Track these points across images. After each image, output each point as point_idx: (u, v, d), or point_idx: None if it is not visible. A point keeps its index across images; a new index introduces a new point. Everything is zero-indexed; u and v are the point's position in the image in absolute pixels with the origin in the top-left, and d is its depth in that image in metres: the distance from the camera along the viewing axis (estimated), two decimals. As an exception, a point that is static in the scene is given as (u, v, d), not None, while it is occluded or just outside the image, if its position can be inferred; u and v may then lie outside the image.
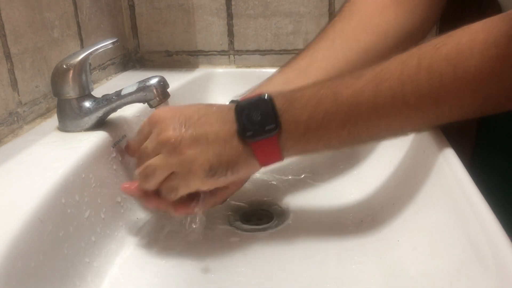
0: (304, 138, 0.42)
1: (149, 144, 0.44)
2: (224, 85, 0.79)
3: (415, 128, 0.43)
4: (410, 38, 0.59)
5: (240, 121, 0.43)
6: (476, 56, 0.37)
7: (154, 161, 0.44)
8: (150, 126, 0.45)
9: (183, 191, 0.44)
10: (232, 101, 0.53)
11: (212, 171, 0.43)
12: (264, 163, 0.44)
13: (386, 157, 0.56)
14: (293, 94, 0.43)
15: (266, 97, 0.43)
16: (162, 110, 0.45)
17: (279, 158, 0.44)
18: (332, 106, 0.41)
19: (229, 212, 0.55)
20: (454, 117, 0.41)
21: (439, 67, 0.38)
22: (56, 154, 0.45)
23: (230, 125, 0.43)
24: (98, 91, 0.53)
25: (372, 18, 0.57)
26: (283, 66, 0.58)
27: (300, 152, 0.44)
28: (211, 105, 0.46)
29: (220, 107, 0.45)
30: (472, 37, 0.37)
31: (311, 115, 0.41)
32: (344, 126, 0.41)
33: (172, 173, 0.43)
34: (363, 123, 0.41)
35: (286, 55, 0.79)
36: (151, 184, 0.45)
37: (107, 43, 0.50)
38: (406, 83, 0.39)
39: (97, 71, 0.71)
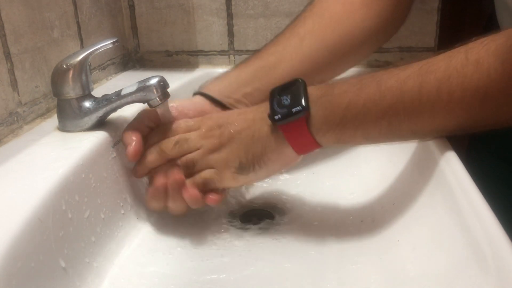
0: (341, 124, 0.42)
1: (192, 135, 0.47)
2: (224, 85, 0.79)
3: (460, 126, 0.41)
4: (375, 39, 0.60)
5: (271, 105, 0.43)
6: None
7: (196, 154, 0.47)
8: (199, 123, 0.48)
9: (218, 185, 0.47)
10: (195, 94, 0.55)
11: (241, 166, 0.45)
12: (298, 149, 0.44)
13: (386, 157, 0.56)
14: (334, 82, 0.44)
15: (299, 80, 0.44)
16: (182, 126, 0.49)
17: (314, 143, 0.43)
18: (374, 93, 0.41)
19: (229, 212, 0.55)
20: (502, 118, 0.39)
21: (487, 62, 0.37)
22: (56, 154, 0.45)
23: (259, 115, 0.45)
24: (98, 91, 0.53)
25: (341, 19, 0.57)
26: (251, 57, 0.58)
27: (337, 140, 0.43)
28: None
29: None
30: None
31: (351, 100, 0.41)
32: (385, 115, 0.40)
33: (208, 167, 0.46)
34: (405, 114, 0.40)
35: (286, 55, 0.79)
36: (189, 173, 0.47)
37: (107, 43, 0.50)
38: (452, 75, 0.38)
39: (97, 71, 0.71)
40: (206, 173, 0.47)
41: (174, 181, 0.47)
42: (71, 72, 0.49)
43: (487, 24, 0.64)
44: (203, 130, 0.48)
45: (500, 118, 0.39)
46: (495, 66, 0.36)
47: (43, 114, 0.57)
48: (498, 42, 0.37)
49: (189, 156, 0.47)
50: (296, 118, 0.42)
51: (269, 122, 0.44)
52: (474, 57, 0.37)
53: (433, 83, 0.38)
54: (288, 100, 0.43)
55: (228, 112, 0.49)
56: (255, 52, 0.59)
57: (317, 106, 0.42)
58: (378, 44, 0.63)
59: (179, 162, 0.47)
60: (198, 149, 0.47)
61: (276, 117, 0.43)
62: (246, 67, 0.57)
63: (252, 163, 0.45)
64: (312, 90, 0.43)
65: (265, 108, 0.45)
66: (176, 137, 0.48)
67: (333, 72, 0.59)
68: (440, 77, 0.38)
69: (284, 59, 0.56)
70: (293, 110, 0.42)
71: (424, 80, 0.39)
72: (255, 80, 0.55)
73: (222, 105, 0.54)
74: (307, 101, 0.42)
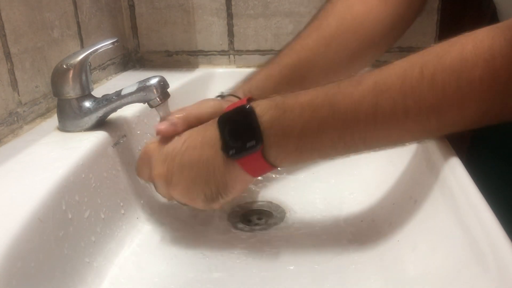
0: (297, 150, 0.41)
1: (152, 179, 0.47)
2: (224, 85, 0.79)
3: (415, 138, 0.42)
4: (391, 36, 0.60)
5: (223, 137, 0.42)
6: (480, 65, 0.35)
7: (159, 189, 0.47)
8: (143, 162, 0.48)
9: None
10: (219, 96, 0.54)
11: (208, 198, 0.45)
12: (256, 174, 0.44)
13: (386, 157, 0.56)
14: (285, 103, 0.41)
15: (248, 109, 0.42)
16: (148, 146, 0.47)
17: (271, 168, 0.43)
18: (328, 116, 0.40)
19: (230, 212, 0.55)
20: (455, 128, 0.40)
21: (442, 78, 0.36)
22: (56, 154, 0.45)
23: (211, 144, 0.43)
24: (98, 91, 0.53)
25: (362, 19, 0.57)
26: (279, 61, 0.57)
27: (294, 162, 0.43)
28: (195, 127, 0.46)
29: (205, 123, 0.45)
30: (477, 45, 0.36)
31: (305, 125, 0.40)
32: (340, 137, 0.40)
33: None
34: (360, 134, 0.40)
35: (286, 55, 0.79)
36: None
37: (107, 43, 0.50)
38: (407, 94, 0.38)
39: (97, 71, 0.71)
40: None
41: None
42: (71, 72, 0.49)
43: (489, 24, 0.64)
44: (153, 163, 0.46)
45: (455, 129, 0.40)
46: (449, 81, 0.36)
47: (43, 114, 0.57)
48: (453, 55, 0.37)
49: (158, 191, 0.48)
50: (251, 153, 0.41)
51: (221, 153, 0.42)
52: (429, 72, 0.37)
53: (388, 102, 0.38)
54: (241, 132, 0.41)
55: (174, 141, 0.46)
56: (285, 51, 0.58)
57: (270, 136, 0.41)
58: (393, 41, 0.63)
59: None
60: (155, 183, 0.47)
61: (230, 152, 0.42)
62: (280, 71, 0.56)
63: (218, 193, 0.44)
64: (262, 118, 0.41)
65: (212, 135, 0.43)
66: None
67: (349, 72, 0.59)
68: (395, 96, 0.38)
69: (314, 68, 0.57)
70: (247, 145, 0.41)
71: (379, 101, 0.38)
72: (288, 87, 0.54)
73: None
74: (260, 134, 0.41)
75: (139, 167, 0.49)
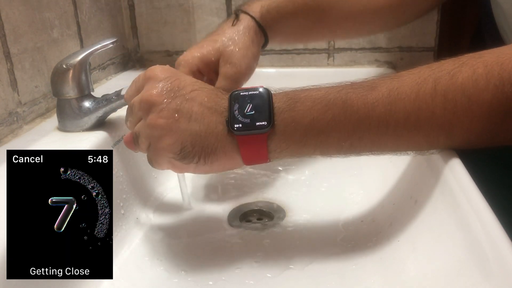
0: (301, 142, 0.40)
1: (136, 100, 0.42)
2: (224, 85, 0.79)
3: (421, 150, 0.42)
4: (408, 12, 0.63)
5: (231, 111, 0.40)
6: (491, 90, 0.36)
7: (138, 127, 0.42)
8: (143, 81, 0.43)
9: (157, 167, 0.43)
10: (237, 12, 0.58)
11: (183, 153, 0.40)
12: (247, 161, 0.42)
13: (386, 157, 0.56)
14: (297, 95, 0.40)
15: (264, 91, 0.41)
16: (159, 68, 0.43)
17: (265, 159, 0.41)
18: (340, 113, 0.39)
19: (229, 212, 0.55)
20: (463, 146, 0.40)
21: (453, 96, 0.37)
22: (56, 154, 0.45)
23: (219, 111, 0.41)
24: (98, 91, 0.53)
25: None
26: None
27: (290, 155, 0.42)
28: (209, 85, 0.43)
29: (217, 89, 0.43)
30: (487, 69, 0.37)
31: (315, 118, 0.39)
32: (348, 137, 0.39)
33: (150, 144, 0.42)
34: (370, 138, 0.39)
35: (286, 55, 0.79)
36: (140, 149, 0.43)
37: (107, 43, 0.50)
38: (421, 107, 0.38)
39: (97, 71, 0.71)
40: (148, 153, 0.43)
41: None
42: (71, 72, 0.49)
43: (480, 24, 0.64)
44: (150, 85, 0.42)
45: (462, 146, 0.41)
46: (461, 101, 0.37)
47: (43, 114, 0.57)
48: (464, 75, 0.37)
49: (134, 130, 0.43)
50: (258, 133, 0.40)
51: (225, 124, 0.40)
52: (442, 89, 0.37)
53: (402, 112, 0.38)
54: (252, 110, 0.40)
55: (184, 81, 0.42)
56: None
57: (279, 122, 0.40)
58: (404, 18, 0.65)
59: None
60: (140, 114, 0.42)
61: (236, 126, 0.40)
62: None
63: (198, 155, 0.40)
64: (276, 103, 0.40)
65: (224, 104, 0.41)
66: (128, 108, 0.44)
67: (362, 28, 0.62)
68: (409, 108, 0.38)
69: (335, 7, 0.59)
70: (257, 123, 0.39)
71: (393, 108, 0.38)
72: (304, 21, 0.57)
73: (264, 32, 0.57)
74: (272, 116, 0.40)
75: (137, 81, 0.44)
